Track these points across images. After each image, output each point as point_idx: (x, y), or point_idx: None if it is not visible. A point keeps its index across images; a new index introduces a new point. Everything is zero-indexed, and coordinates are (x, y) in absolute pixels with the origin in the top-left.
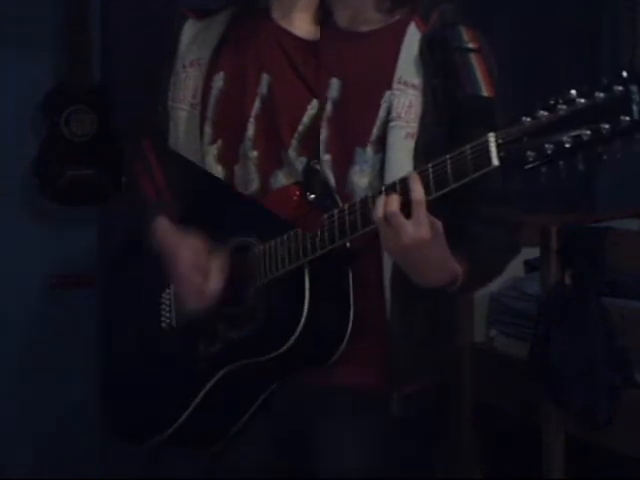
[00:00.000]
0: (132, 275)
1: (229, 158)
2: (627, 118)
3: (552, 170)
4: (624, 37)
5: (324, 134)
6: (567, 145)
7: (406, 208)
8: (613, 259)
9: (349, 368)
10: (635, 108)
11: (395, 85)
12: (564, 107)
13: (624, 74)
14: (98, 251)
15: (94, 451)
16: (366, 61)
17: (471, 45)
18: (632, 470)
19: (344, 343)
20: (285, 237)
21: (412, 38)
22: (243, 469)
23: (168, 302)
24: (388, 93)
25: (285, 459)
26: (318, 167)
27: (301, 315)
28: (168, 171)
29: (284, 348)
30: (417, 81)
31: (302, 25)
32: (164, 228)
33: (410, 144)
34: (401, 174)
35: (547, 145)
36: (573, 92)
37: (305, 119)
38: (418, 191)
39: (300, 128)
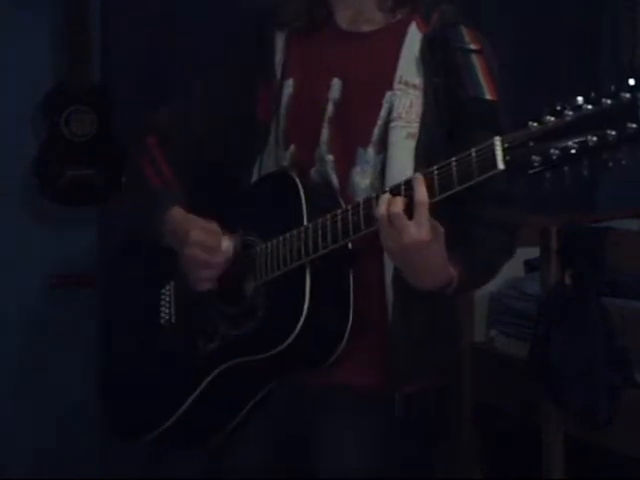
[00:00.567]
0: (131, 273)
1: (304, 162)
2: (633, 125)
3: (557, 175)
4: (624, 37)
5: (326, 135)
6: (573, 151)
7: (409, 209)
8: (613, 259)
9: (350, 368)
10: None
11: (396, 85)
12: (571, 113)
13: (631, 81)
14: (98, 251)
15: (94, 451)
16: (367, 61)
17: (472, 46)
18: (632, 470)
19: (343, 344)
20: (287, 236)
21: (413, 38)
22: (243, 469)
23: (167, 299)
24: (389, 93)
25: (285, 459)
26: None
27: (301, 314)
28: (174, 167)
29: (283, 346)
30: (418, 81)
31: (371, 17)
32: (179, 215)
33: (411, 144)
34: (402, 174)
35: (553, 150)
36: (580, 98)
37: (382, 113)
38: (422, 192)
39: (379, 123)
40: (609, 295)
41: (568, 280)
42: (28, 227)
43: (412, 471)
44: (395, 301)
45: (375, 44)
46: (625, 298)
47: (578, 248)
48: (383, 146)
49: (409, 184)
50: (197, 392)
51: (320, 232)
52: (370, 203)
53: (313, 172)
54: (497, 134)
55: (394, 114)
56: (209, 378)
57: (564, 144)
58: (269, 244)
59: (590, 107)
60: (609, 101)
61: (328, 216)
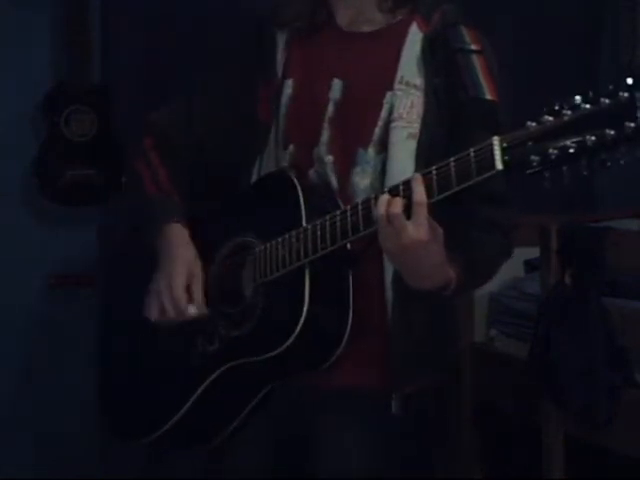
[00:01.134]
0: (131, 273)
1: (303, 163)
2: (632, 124)
3: (555, 175)
4: (624, 37)
5: (326, 135)
6: (571, 150)
7: (408, 210)
8: (613, 259)
9: (350, 368)
10: None
11: (397, 85)
12: (569, 112)
13: (629, 80)
14: (98, 251)
15: (94, 451)
16: (368, 61)
17: (473, 46)
18: (632, 470)
19: (342, 345)
20: (286, 237)
21: (414, 38)
22: (243, 469)
23: None
24: (390, 93)
25: (285, 459)
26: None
27: (300, 315)
28: (171, 169)
29: (282, 348)
30: (419, 81)
31: (371, 18)
32: (173, 236)
33: (412, 144)
34: (402, 175)
35: (551, 150)
36: (578, 97)
37: (383, 113)
38: (420, 192)
39: (380, 123)
40: (609, 295)
41: (568, 280)
42: (28, 227)
43: (412, 471)
44: (395, 301)
45: (376, 44)
46: (625, 298)
47: (578, 248)
48: (383, 146)
49: (408, 184)
50: (197, 393)
51: (319, 233)
52: (369, 204)
53: (312, 173)
54: (497, 134)
55: (395, 114)
56: (209, 379)
57: (562, 144)
58: (268, 245)
59: (588, 106)
60: (607, 100)
61: (327, 217)
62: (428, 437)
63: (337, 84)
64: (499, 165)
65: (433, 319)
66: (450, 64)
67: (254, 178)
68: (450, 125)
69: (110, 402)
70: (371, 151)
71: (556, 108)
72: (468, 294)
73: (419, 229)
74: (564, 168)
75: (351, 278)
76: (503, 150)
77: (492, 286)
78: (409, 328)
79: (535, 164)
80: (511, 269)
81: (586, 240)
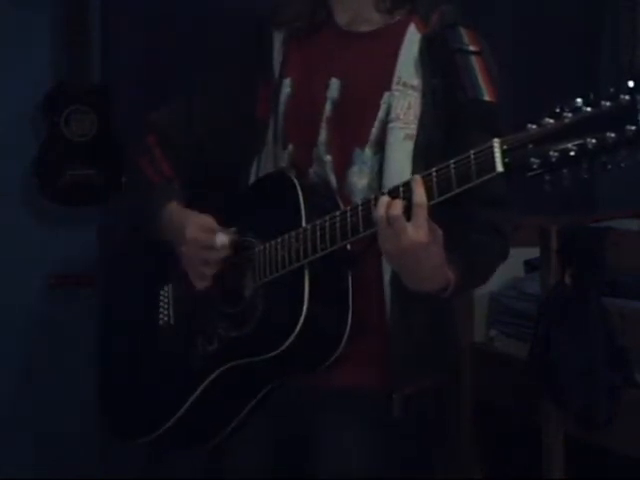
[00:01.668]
0: (131, 273)
1: (302, 162)
2: (632, 127)
3: (556, 178)
4: (624, 37)
5: (324, 135)
6: (572, 153)
7: (408, 212)
8: (613, 259)
9: (349, 369)
10: None
11: (394, 86)
12: (570, 115)
13: (630, 83)
14: (98, 251)
15: (94, 451)
16: (366, 62)
17: (472, 47)
18: (632, 470)
19: (341, 346)
20: (286, 237)
21: (412, 39)
22: (243, 469)
23: (166, 300)
24: (387, 94)
25: (285, 459)
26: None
27: (300, 316)
28: (174, 162)
29: (282, 348)
30: (417, 82)
31: (369, 18)
32: (175, 210)
33: (409, 145)
34: (400, 175)
35: (552, 153)
36: (579, 100)
37: (381, 114)
38: (420, 194)
39: (377, 124)
40: (609, 295)
41: (568, 280)
42: (28, 227)
43: (412, 471)
44: (394, 302)
45: (374, 44)
46: (625, 298)
47: (578, 248)
48: (380, 147)
49: (408, 186)
50: (196, 394)
51: (319, 234)
52: (369, 205)
53: (311, 172)
54: (496, 136)
55: (392, 115)
56: (208, 380)
57: (563, 146)
58: (267, 245)
59: (589, 109)
60: (608, 103)
61: (327, 218)
62: (428, 437)
63: (335, 83)
64: (499, 167)
65: (433, 319)
66: (448, 65)
67: (252, 178)
68: (448, 126)
69: (110, 402)
70: (368, 151)
71: (557, 111)
72: (466, 295)
73: (419, 231)
74: (564, 171)
75: (350, 278)
76: (503, 152)
77: (492, 286)
78: (409, 329)
79: (535, 167)
80: (511, 269)
81: (586, 240)
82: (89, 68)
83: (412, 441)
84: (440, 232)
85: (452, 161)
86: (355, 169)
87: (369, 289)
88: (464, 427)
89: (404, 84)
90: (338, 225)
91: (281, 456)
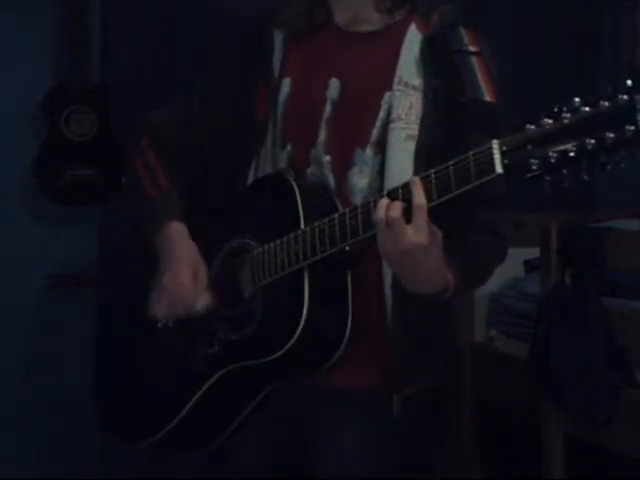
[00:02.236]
0: (131, 274)
1: (300, 162)
2: (632, 127)
3: (555, 178)
4: (624, 37)
5: (323, 135)
6: (571, 154)
7: (407, 213)
8: (613, 259)
9: (349, 369)
10: None
11: (395, 86)
12: (569, 115)
13: (629, 83)
14: (98, 251)
15: (94, 451)
16: (366, 62)
17: (472, 48)
18: (632, 470)
19: (341, 348)
20: (285, 239)
21: (412, 39)
22: (243, 470)
23: None
24: (388, 94)
25: (285, 460)
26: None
27: (300, 319)
28: (168, 168)
29: (282, 351)
30: (417, 82)
31: (369, 18)
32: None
33: (410, 146)
34: (401, 176)
35: (551, 153)
36: (578, 100)
37: (382, 114)
38: (420, 196)
39: (378, 124)
40: (609, 295)
41: (568, 280)
42: (28, 227)
43: (412, 471)
44: (394, 302)
45: (374, 45)
46: (625, 298)
47: (578, 248)
48: (381, 147)
49: (407, 188)
50: (196, 396)
51: (318, 236)
52: (368, 207)
53: (309, 173)
54: (495, 136)
55: (394, 115)
56: (208, 382)
57: (562, 147)
58: (266, 247)
59: (588, 110)
60: (607, 103)
61: (326, 220)
62: (428, 437)
63: (334, 83)
64: (499, 169)
65: (432, 320)
66: (449, 65)
67: (250, 179)
68: (448, 126)
69: (109, 406)
70: (369, 151)
71: (555, 111)
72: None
73: (418, 233)
74: (564, 171)
75: (350, 279)
76: (503, 154)
77: (492, 286)
78: (409, 329)
79: (535, 168)
80: (511, 269)
81: (586, 240)
82: (89, 68)
83: (412, 441)
84: (439, 234)
85: (451, 162)
86: (356, 169)
87: (369, 290)
88: (464, 427)
89: (405, 84)
90: (337, 227)
91: (281, 456)
